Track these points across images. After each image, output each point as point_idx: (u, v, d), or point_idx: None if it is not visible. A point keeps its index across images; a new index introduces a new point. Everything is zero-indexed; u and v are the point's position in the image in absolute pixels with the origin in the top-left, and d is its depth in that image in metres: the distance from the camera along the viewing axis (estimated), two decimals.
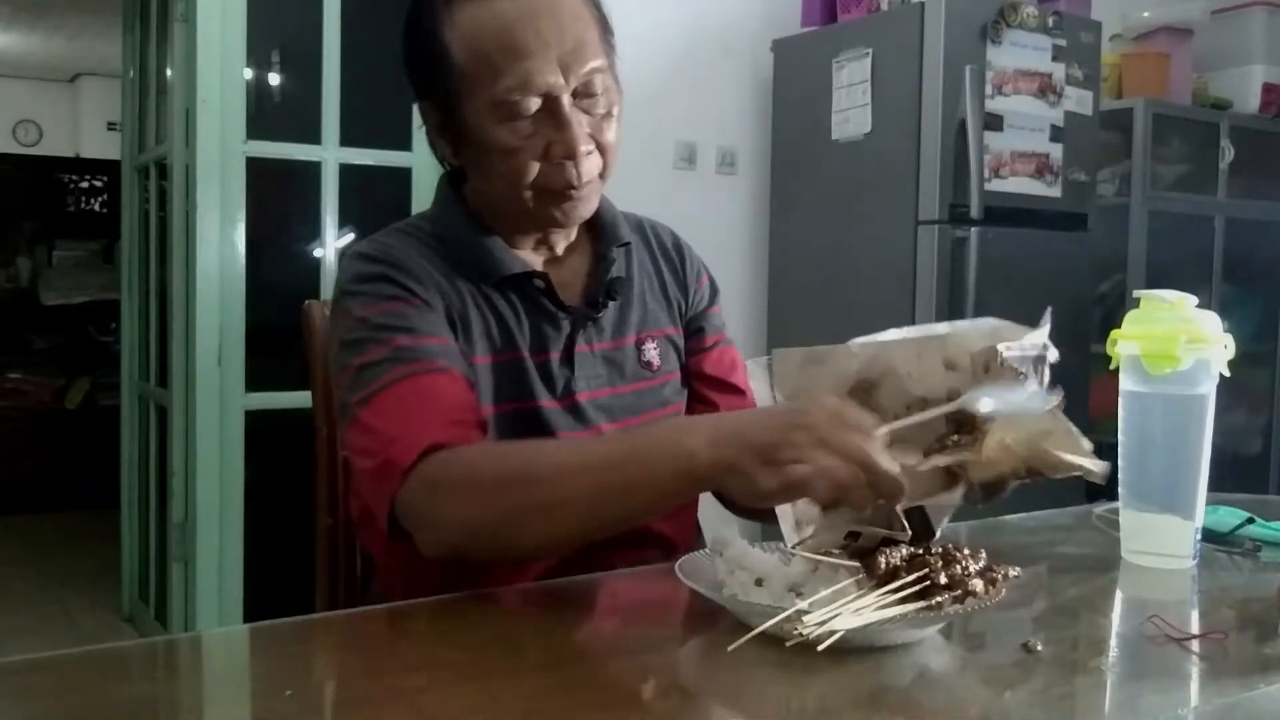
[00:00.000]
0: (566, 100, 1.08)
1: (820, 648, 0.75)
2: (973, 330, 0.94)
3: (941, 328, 0.97)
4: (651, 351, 1.23)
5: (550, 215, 1.14)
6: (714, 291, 1.34)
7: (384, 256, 1.13)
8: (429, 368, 1.06)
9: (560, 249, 1.22)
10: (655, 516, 0.99)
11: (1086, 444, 0.89)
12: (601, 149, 1.13)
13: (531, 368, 1.15)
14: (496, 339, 1.14)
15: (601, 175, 1.15)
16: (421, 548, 1.00)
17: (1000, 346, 0.91)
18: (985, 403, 0.87)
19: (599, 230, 1.23)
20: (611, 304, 1.21)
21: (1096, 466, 0.89)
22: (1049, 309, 0.97)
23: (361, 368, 1.07)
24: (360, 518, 1.20)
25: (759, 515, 1.19)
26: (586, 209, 1.16)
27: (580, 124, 1.09)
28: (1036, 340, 0.93)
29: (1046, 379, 0.94)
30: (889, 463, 0.83)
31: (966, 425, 0.91)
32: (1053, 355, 0.95)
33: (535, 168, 1.10)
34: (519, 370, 1.14)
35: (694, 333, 1.30)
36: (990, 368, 0.91)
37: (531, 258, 1.20)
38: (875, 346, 0.97)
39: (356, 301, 1.11)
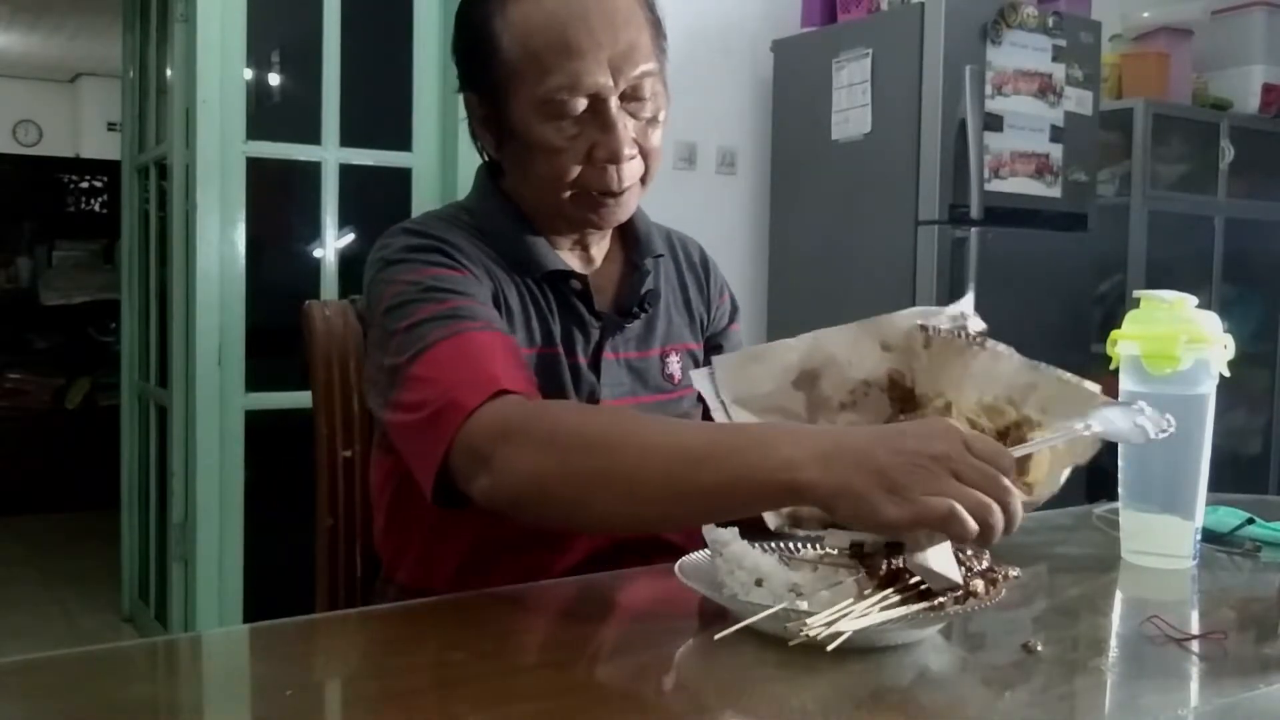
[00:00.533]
0: (614, 103, 1.08)
1: (829, 648, 0.75)
2: (900, 314, 0.97)
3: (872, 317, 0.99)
4: (674, 365, 1.23)
5: (587, 217, 1.14)
6: (734, 310, 1.34)
7: (433, 233, 1.12)
8: (489, 327, 1.03)
9: (596, 255, 1.21)
10: (730, 518, 0.92)
11: (1091, 386, 0.86)
12: (645, 154, 1.12)
13: (565, 367, 1.14)
14: (536, 332, 1.14)
15: (643, 180, 1.14)
16: (479, 494, 0.94)
17: (926, 323, 0.92)
18: (1095, 427, 0.85)
19: (633, 240, 1.23)
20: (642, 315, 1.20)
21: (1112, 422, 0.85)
22: (971, 285, 0.99)
23: (413, 326, 1.02)
24: (388, 516, 1.19)
25: (757, 534, 1.19)
26: (624, 213, 1.16)
27: (626, 127, 1.09)
28: (955, 312, 0.94)
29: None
30: (1018, 501, 0.79)
31: (910, 403, 0.93)
32: (975, 326, 0.96)
33: (577, 169, 1.10)
34: (556, 366, 1.14)
35: (711, 349, 1.29)
36: (930, 344, 0.92)
37: (569, 258, 1.19)
38: (812, 337, 0.98)
39: (404, 267, 1.08)
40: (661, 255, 1.24)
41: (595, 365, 1.16)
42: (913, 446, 0.79)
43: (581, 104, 1.07)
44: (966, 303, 0.97)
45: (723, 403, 1.00)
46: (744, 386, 1.00)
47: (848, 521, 0.83)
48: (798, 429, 0.90)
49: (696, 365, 1.26)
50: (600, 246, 1.22)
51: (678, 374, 1.23)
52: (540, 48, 1.06)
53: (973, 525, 0.76)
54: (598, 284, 1.20)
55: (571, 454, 0.91)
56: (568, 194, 1.11)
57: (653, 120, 1.12)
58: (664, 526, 1.00)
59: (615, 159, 1.09)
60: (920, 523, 0.78)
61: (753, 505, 0.88)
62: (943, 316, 0.95)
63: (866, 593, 0.82)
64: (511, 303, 1.13)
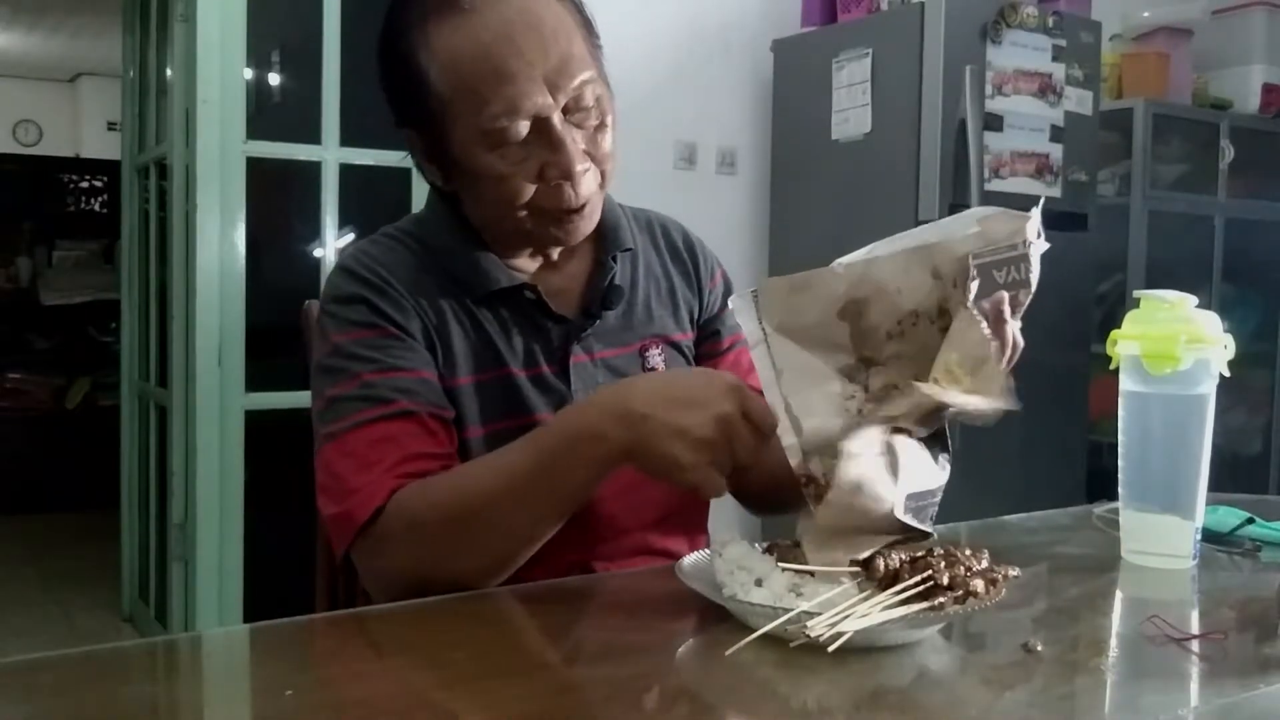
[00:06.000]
0: (557, 119, 1.04)
1: (831, 649, 0.75)
2: (959, 232, 0.92)
3: (929, 233, 0.94)
4: (657, 358, 1.20)
5: (551, 235, 1.11)
6: (728, 290, 1.30)
7: (366, 274, 1.10)
8: (389, 412, 1.04)
9: (556, 255, 1.18)
10: (584, 493, 1.01)
11: (1010, 382, 0.88)
12: (598, 161, 1.09)
13: (524, 383, 1.12)
14: (481, 358, 1.11)
15: (601, 186, 1.11)
16: (372, 595, 1.05)
17: (971, 260, 0.89)
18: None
19: (600, 234, 1.19)
20: (613, 311, 1.17)
21: (1007, 405, 0.88)
22: (1042, 198, 0.95)
23: (331, 400, 1.07)
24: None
25: (770, 509, 1.18)
26: (589, 224, 1.12)
27: (575, 141, 1.06)
28: (1017, 238, 0.90)
29: (1030, 273, 0.92)
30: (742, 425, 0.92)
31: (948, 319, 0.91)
32: (1036, 250, 0.92)
33: (530, 190, 1.06)
34: (508, 387, 1.11)
35: (709, 335, 1.26)
36: (958, 283, 0.90)
37: (526, 264, 1.16)
38: (861, 265, 0.94)
39: (333, 323, 1.10)
40: (629, 249, 1.20)
41: (564, 372, 1.14)
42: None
43: (524, 127, 1.04)
44: (1032, 226, 0.90)
45: (765, 331, 0.97)
46: (789, 315, 0.95)
47: (651, 470, 0.95)
48: (588, 401, 1.00)
49: (684, 356, 1.23)
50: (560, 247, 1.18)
51: (660, 367, 1.20)
52: (472, 77, 1.03)
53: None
54: (562, 285, 1.17)
55: (431, 540, 0.99)
56: (524, 214, 1.08)
57: (600, 127, 1.08)
58: (537, 538, 1.02)
59: (568, 176, 1.06)
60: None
61: (585, 475, 0.98)
62: (1001, 239, 0.90)
63: (866, 594, 0.82)
64: (450, 334, 1.10)
